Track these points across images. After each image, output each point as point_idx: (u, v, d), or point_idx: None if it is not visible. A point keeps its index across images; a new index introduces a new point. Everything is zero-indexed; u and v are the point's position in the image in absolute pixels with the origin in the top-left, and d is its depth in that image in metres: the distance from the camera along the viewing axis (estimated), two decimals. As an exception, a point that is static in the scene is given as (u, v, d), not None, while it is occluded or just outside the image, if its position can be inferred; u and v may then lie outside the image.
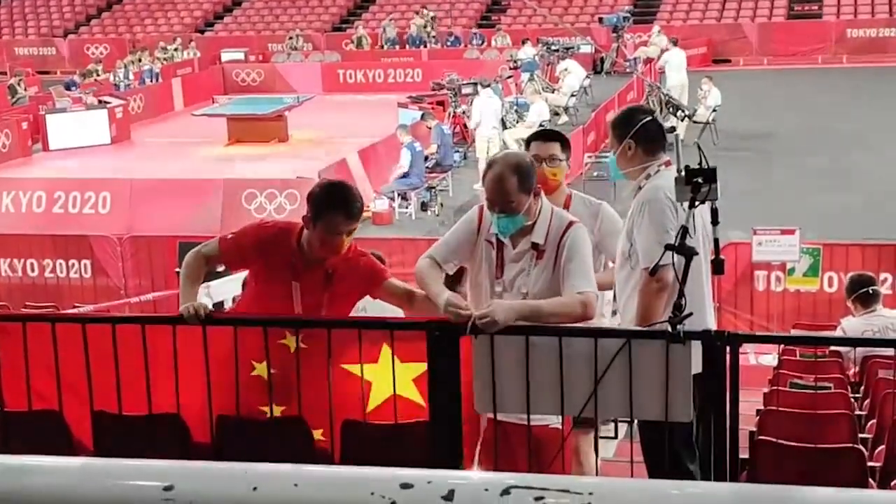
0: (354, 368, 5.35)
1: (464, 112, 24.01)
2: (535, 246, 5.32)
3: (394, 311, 8.32)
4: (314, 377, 5.33)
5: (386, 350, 5.32)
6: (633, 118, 5.92)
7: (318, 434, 5.44)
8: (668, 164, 5.77)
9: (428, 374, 5.15)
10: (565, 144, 6.45)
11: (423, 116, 22.79)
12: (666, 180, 5.41)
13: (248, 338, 5.38)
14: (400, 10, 42.24)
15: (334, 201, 5.61)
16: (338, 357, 5.34)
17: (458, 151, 22.45)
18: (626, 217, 5.85)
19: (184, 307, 5.38)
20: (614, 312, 6.37)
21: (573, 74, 28.76)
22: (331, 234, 5.57)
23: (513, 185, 5.25)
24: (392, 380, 5.26)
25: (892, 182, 20.20)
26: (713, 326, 5.64)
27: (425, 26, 38.14)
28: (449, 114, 24.46)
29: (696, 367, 4.86)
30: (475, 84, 24.66)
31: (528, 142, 6.66)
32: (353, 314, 7.46)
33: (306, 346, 5.40)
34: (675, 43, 28.04)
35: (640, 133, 5.81)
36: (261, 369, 5.47)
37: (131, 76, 33.75)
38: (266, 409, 5.47)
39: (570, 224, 5.35)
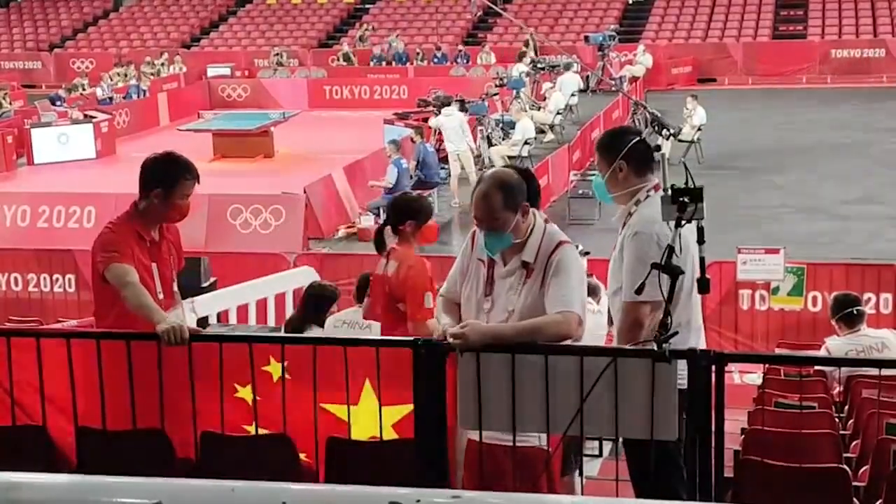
0: (334, 409, 5.35)
1: (449, 129, 24.04)
2: (524, 264, 5.28)
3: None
4: (298, 408, 5.33)
5: (367, 392, 5.30)
6: (623, 139, 5.85)
7: (302, 456, 5.43)
8: (657, 187, 5.69)
9: (413, 393, 5.14)
10: None
11: (415, 130, 22.81)
12: (655, 209, 5.37)
13: (230, 360, 5.39)
14: (386, 27, 42.31)
15: (182, 169, 6.14)
16: (319, 395, 5.33)
17: (443, 168, 22.47)
18: (616, 243, 5.83)
19: (163, 328, 5.34)
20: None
21: (560, 92, 28.81)
22: (184, 199, 6.12)
23: (498, 202, 5.23)
24: (372, 422, 5.27)
25: (871, 202, 20.31)
26: (700, 346, 5.61)
27: (534, 48, 37.27)
28: (434, 131, 24.46)
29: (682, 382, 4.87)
30: (461, 101, 24.68)
31: None
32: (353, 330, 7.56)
33: (290, 377, 5.39)
34: None
35: (631, 153, 5.72)
36: (244, 392, 5.46)
37: (112, 90, 33.62)
38: (249, 427, 5.48)
39: (560, 243, 5.30)
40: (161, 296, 6.01)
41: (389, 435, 5.29)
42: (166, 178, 6.08)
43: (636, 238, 5.54)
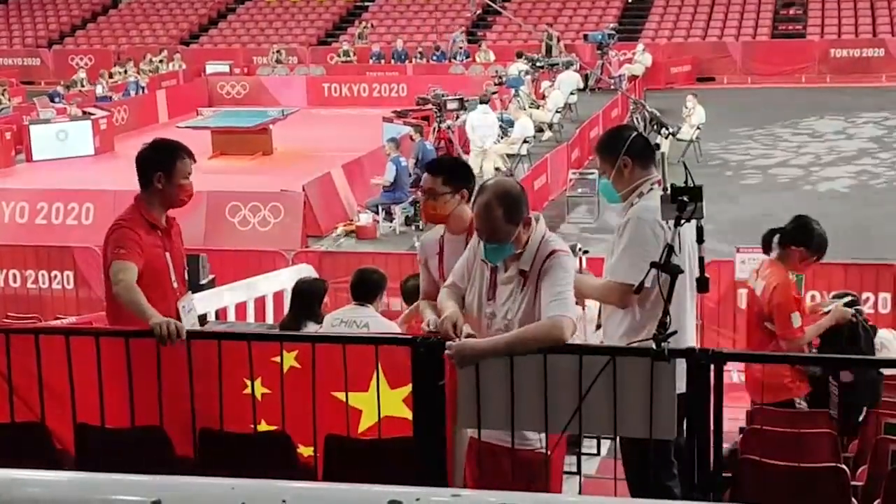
0: (343, 397, 5.35)
1: (448, 127, 24.00)
2: (521, 272, 5.22)
3: (392, 327, 8.39)
4: (307, 398, 5.32)
5: (375, 378, 5.31)
6: (621, 136, 5.89)
7: (308, 451, 5.42)
8: (660, 182, 5.73)
9: (412, 390, 5.15)
10: (454, 177, 5.90)
11: (414, 128, 22.83)
12: (657, 201, 5.37)
13: (237, 354, 5.39)
14: (385, 25, 42.32)
15: (176, 150, 6.23)
16: (329, 385, 5.33)
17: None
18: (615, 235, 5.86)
19: (155, 322, 5.36)
20: (598, 326, 6.37)
21: (559, 90, 28.80)
22: (185, 179, 6.16)
23: (499, 215, 5.15)
24: (382, 407, 5.28)
25: (870, 201, 20.31)
26: (693, 344, 5.62)
27: (547, 48, 36.39)
28: (434, 129, 24.45)
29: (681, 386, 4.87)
30: (460, 99, 24.65)
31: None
32: (351, 329, 7.57)
33: (300, 366, 5.40)
34: None
35: (633, 148, 5.77)
36: (254, 387, 5.47)
37: (109, 87, 33.57)
38: (258, 426, 5.48)
39: (554, 251, 5.20)
40: (175, 284, 6.04)
41: (400, 409, 5.29)
42: (165, 160, 6.16)
43: (637, 222, 5.61)
